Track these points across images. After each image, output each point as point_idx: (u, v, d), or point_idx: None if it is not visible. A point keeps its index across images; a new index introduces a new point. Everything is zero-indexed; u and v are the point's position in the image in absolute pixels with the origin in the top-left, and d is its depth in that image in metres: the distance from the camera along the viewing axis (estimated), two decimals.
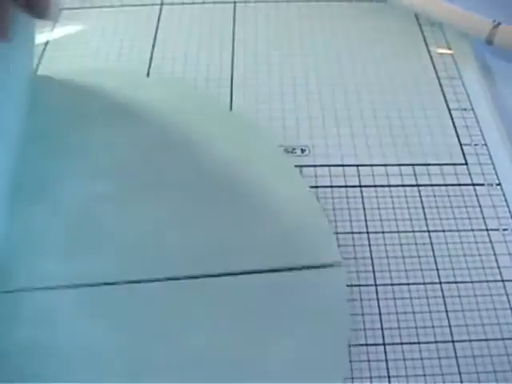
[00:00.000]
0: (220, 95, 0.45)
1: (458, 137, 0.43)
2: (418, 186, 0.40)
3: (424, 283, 0.36)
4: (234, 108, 0.44)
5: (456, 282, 0.36)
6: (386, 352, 0.33)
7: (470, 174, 0.41)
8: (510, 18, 0.48)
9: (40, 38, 0.51)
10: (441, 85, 0.47)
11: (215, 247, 0.34)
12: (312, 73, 0.48)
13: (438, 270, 0.36)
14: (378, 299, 0.35)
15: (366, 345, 0.33)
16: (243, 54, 0.49)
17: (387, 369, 0.32)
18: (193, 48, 0.50)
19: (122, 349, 0.30)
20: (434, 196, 0.40)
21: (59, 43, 0.51)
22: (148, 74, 0.47)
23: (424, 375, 0.32)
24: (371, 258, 0.36)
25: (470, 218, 0.38)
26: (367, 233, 0.37)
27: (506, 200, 0.39)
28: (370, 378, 0.32)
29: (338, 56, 0.49)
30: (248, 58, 0.49)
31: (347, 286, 0.35)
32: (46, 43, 0.51)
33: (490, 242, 0.37)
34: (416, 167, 0.41)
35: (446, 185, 0.40)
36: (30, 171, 0.36)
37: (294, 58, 0.49)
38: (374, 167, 0.41)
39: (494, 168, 0.41)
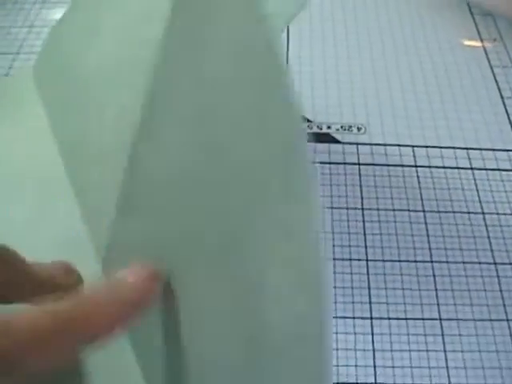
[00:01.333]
0: None
1: (510, 124, 0.43)
2: (472, 169, 0.40)
3: (479, 263, 0.36)
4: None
5: (510, 264, 0.36)
6: (441, 326, 0.33)
7: None
8: None
9: None
10: (493, 73, 0.47)
11: None
12: (367, 55, 0.48)
13: (492, 250, 0.36)
14: (434, 275, 0.35)
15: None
16: (298, 31, 0.49)
17: (443, 342, 0.33)
18: None
19: None
20: (488, 180, 0.40)
21: None
22: None
23: (481, 356, 0.33)
24: (427, 235, 0.37)
25: None
26: (423, 211, 0.38)
27: None
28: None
29: (393, 42, 0.49)
30: (303, 35, 0.49)
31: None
32: None
33: None
34: (470, 151, 0.41)
35: (500, 169, 0.40)
36: None
37: (349, 41, 0.49)
38: (429, 149, 0.41)
39: None
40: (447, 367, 0.32)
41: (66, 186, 0.28)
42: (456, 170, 0.40)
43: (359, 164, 0.40)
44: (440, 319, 0.34)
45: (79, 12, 0.30)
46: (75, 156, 0.29)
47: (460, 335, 0.33)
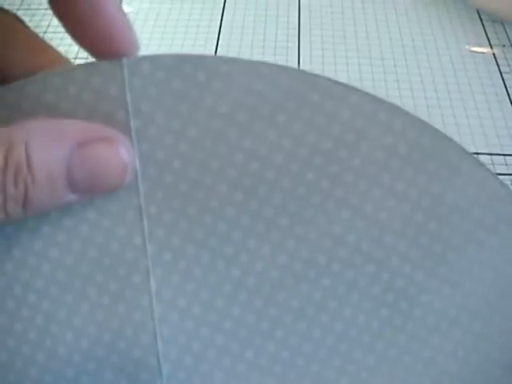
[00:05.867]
0: None
1: None
2: None
3: None
4: None
5: None
6: None
7: None
8: None
9: None
10: (503, 79, 0.48)
11: None
12: (377, 61, 0.49)
13: None
14: None
15: None
16: (309, 31, 0.50)
17: None
18: (259, 26, 0.51)
19: None
20: None
21: None
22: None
23: None
24: None
25: None
26: None
27: None
28: None
29: (402, 47, 0.50)
30: (314, 42, 0.50)
31: None
32: None
33: None
34: (480, 156, 0.42)
35: (510, 174, 0.41)
36: None
37: (359, 46, 0.50)
38: None
39: None
40: None
41: None
42: None
43: None
44: None
45: None
46: None
47: None
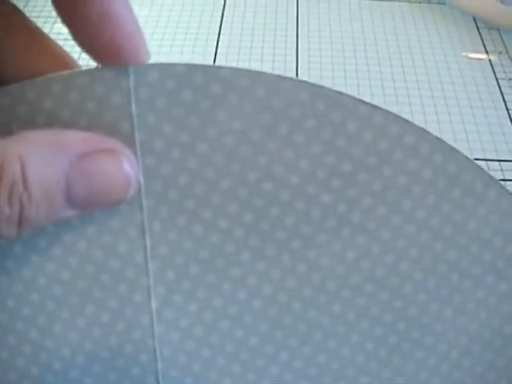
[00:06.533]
0: None
1: None
2: None
3: None
4: None
5: None
6: None
7: None
8: None
9: None
10: (499, 85, 0.48)
11: None
12: (375, 68, 0.49)
13: None
14: None
15: None
16: (307, 38, 0.51)
17: None
18: (258, 34, 0.51)
19: None
20: None
21: None
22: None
23: None
24: None
25: None
26: None
27: None
28: None
29: (399, 55, 0.51)
30: (312, 49, 0.51)
31: None
32: None
33: None
34: (476, 162, 0.42)
35: (505, 180, 0.41)
36: None
37: (357, 53, 0.51)
38: None
39: None
40: None
41: None
42: None
43: None
44: None
45: None
46: None
47: None
